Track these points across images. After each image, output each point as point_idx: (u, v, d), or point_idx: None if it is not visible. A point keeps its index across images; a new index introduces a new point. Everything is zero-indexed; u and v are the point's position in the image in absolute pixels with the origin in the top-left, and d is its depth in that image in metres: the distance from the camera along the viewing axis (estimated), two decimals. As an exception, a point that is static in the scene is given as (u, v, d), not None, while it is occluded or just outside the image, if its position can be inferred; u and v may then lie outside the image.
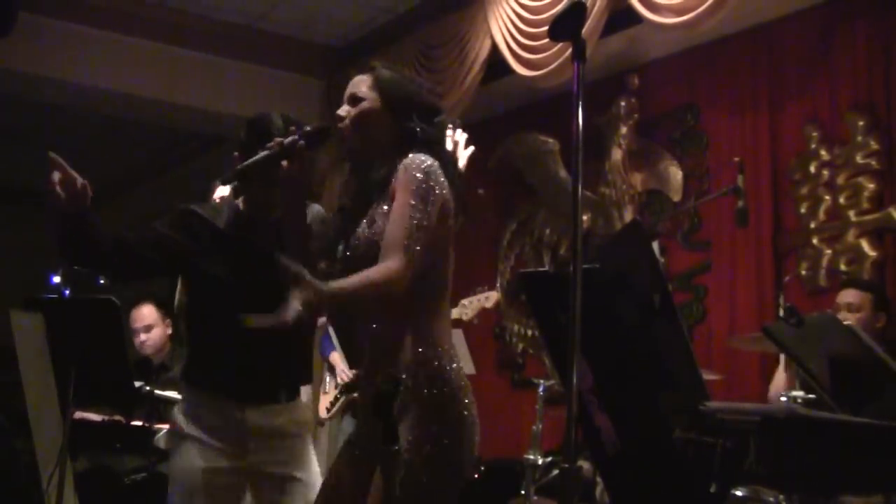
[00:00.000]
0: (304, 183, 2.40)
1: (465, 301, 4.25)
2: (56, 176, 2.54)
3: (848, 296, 3.96)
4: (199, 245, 2.76)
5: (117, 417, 4.34)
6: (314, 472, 2.81)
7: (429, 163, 2.27)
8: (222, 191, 3.61)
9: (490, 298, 4.22)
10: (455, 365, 2.25)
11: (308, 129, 2.37)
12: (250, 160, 2.39)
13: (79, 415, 4.04)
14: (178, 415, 2.78)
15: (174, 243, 2.77)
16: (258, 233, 2.76)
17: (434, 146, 2.37)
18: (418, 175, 2.24)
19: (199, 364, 2.83)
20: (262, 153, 2.36)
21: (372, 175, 2.37)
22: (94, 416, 4.34)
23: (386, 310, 2.26)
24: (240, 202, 2.83)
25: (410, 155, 2.28)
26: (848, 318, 3.76)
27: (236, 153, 2.72)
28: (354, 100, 2.39)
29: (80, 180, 2.54)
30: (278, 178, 2.37)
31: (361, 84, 2.39)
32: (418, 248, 2.18)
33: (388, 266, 2.16)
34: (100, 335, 3.45)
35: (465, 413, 2.21)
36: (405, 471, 2.11)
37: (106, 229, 2.67)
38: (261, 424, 2.73)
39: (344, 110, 2.39)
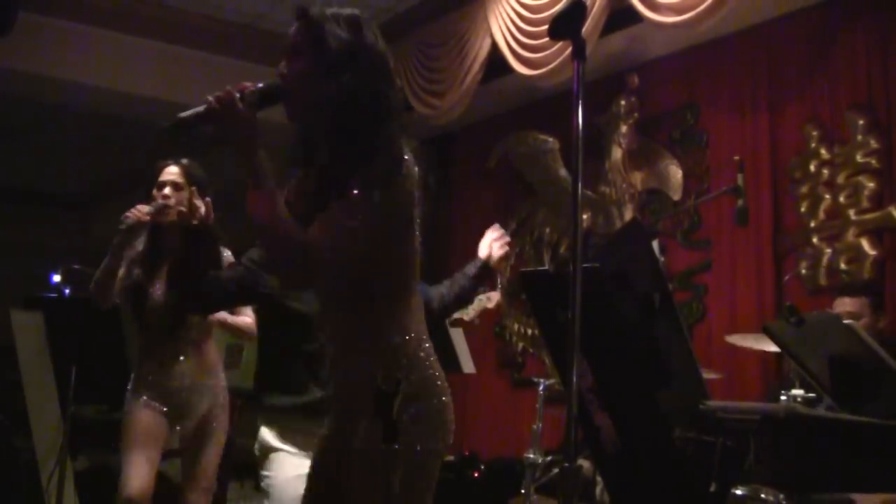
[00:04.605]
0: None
1: None
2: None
3: (845, 305, 3.85)
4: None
5: (118, 416, 4.34)
6: None
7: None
8: (172, 172, 3.59)
9: (492, 299, 4.19)
10: (423, 354, 2.02)
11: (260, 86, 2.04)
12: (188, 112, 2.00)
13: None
14: (265, 431, 2.88)
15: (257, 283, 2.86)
16: None
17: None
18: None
19: (285, 387, 2.91)
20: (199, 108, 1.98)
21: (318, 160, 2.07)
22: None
23: (344, 299, 2.06)
24: None
25: None
26: None
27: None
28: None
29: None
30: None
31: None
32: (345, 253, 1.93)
33: (306, 240, 1.91)
34: (100, 334, 3.46)
35: (435, 402, 2.00)
36: (362, 462, 1.97)
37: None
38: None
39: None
